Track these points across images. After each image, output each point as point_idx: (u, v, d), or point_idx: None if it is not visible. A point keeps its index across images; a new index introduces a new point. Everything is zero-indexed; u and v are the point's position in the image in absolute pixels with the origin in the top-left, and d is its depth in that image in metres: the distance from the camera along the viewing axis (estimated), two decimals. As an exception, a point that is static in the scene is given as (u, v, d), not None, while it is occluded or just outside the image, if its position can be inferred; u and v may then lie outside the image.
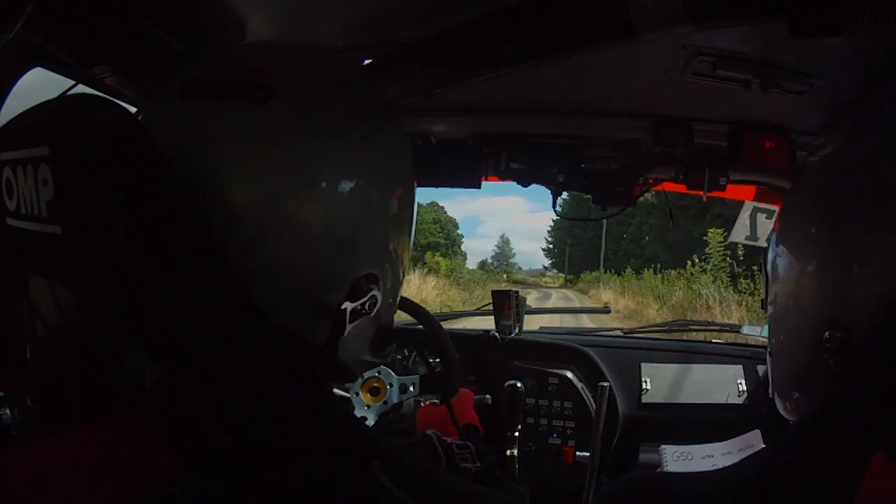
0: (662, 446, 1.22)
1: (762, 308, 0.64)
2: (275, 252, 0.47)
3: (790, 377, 0.58)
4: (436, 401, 1.05)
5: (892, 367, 0.43)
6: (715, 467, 1.13)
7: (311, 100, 0.50)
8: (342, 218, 0.49)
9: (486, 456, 0.70)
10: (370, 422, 1.15)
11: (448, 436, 0.82)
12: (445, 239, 30.45)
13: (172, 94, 0.50)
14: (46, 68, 0.88)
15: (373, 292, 0.52)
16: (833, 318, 0.50)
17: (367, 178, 0.51)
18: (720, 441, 1.26)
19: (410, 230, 0.58)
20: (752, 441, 1.19)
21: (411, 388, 1.19)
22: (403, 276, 0.58)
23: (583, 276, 28.66)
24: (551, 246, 39.24)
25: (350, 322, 0.51)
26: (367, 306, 0.52)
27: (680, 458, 1.21)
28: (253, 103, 0.47)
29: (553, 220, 33.99)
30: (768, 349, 0.63)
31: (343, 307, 0.50)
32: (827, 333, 0.50)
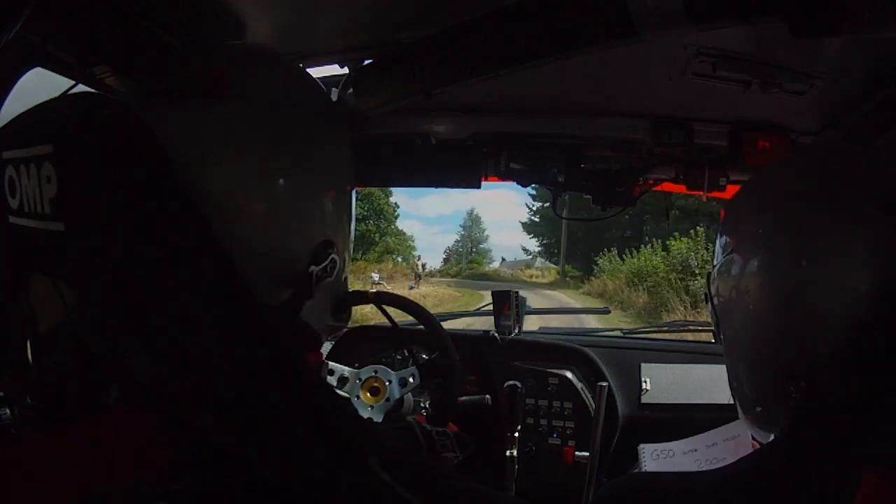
0: (641, 445, 1.22)
1: (714, 340, 0.62)
2: (236, 232, 0.51)
3: (750, 390, 0.56)
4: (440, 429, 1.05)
5: (863, 379, 0.42)
6: (698, 462, 1.12)
7: (260, 102, 0.54)
8: (287, 204, 0.55)
9: (467, 447, 0.72)
10: (377, 420, 1.15)
11: None
12: (368, 210, 20.26)
13: (146, 93, 0.53)
14: (46, 68, 0.88)
15: (332, 255, 0.57)
16: (791, 329, 0.48)
17: (309, 172, 0.57)
18: None
19: (350, 224, 0.65)
20: (737, 430, 1.18)
21: (411, 380, 1.19)
22: (347, 261, 0.64)
23: (602, 265, 16.12)
24: (535, 218, 23.42)
25: (316, 284, 0.56)
26: (328, 269, 0.57)
27: (660, 457, 1.20)
28: (205, 100, 0.50)
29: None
30: (728, 376, 0.60)
31: (310, 270, 0.55)
32: (787, 351, 0.48)
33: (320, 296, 0.58)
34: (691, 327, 2.05)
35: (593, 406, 1.39)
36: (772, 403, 0.53)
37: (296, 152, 0.55)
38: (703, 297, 0.61)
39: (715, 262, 0.59)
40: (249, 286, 0.48)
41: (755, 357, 0.53)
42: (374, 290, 1.01)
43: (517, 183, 1.32)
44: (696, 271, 12.10)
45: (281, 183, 0.54)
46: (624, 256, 15.15)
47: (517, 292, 1.58)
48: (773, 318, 0.50)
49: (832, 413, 0.43)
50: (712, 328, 0.62)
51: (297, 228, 0.55)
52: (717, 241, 0.60)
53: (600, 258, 16.58)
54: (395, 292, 1.06)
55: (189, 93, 0.51)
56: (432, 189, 1.36)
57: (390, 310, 1.13)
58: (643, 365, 1.51)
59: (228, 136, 0.51)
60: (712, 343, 1.78)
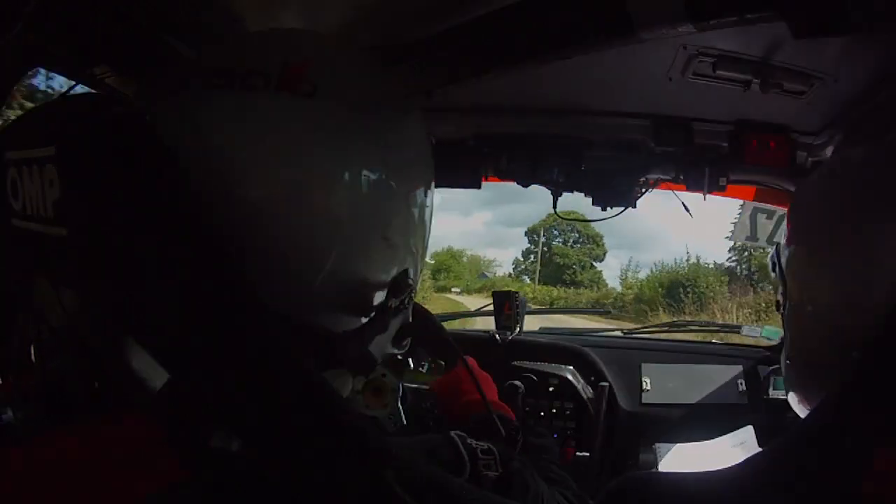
0: (656, 444, 1.23)
1: (777, 310, 0.64)
2: (313, 250, 0.47)
3: (806, 376, 0.58)
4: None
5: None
6: (709, 463, 1.14)
7: (349, 97, 0.49)
8: (375, 214, 0.49)
9: (509, 462, 0.61)
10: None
11: (468, 404, 0.80)
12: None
13: (187, 85, 0.49)
14: (46, 68, 0.88)
15: (410, 287, 0.53)
16: (849, 320, 0.49)
17: (397, 175, 0.51)
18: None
19: (430, 228, 0.59)
20: (744, 437, 1.20)
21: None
22: (419, 274, 0.59)
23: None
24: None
25: (392, 317, 0.52)
26: (405, 302, 0.53)
27: (674, 456, 1.22)
28: (296, 97, 0.47)
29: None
30: (784, 349, 0.62)
31: (389, 304, 0.51)
32: (843, 335, 0.50)
33: (390, 328, 0.55)
34: (691, 327, 2.06)
35: (593, 406, 1.39)
36: (824, 389, 0.55)
37: (375, 155, 0.49)
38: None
39: (787, 236, 0.61)
40: (323, 314, 0.47)
41: (810, 332, 0.56)
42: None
43: (518, 183, 1.32)
44: None
45: (357, 187, 0.48)
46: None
47: (517, 292, 1.58)
48: (830, 303, 0.52)
49: (857, 396, 0.44)
50: (715, 328, 0.65)
51: (381, 258, 0.50)
52: (788, 218, 0.62)
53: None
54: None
55: (257, 85, 0.46)
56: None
57: None
58: (643, 365, 1.51)
59: (303, 134, 0.46)
60: (712, 343, 1.79)
